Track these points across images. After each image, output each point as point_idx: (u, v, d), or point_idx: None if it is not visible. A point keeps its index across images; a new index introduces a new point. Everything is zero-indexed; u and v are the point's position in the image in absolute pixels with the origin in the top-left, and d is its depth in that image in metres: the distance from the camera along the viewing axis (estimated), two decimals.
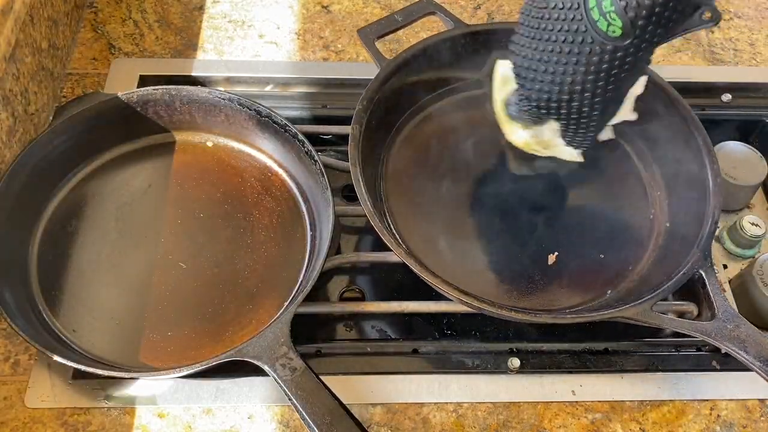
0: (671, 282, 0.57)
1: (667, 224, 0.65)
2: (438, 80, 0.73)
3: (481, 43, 0.70)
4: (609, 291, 0.63)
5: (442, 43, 0.70)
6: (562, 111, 0.57)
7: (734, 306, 0.64)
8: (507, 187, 0.68)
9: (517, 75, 0.58)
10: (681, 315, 0.62)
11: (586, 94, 0.54)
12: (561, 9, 0.52)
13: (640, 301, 0.56)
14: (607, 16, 0.50)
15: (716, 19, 0.53)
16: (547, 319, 0.57)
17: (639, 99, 0.61)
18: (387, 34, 0.70)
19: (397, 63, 0.67)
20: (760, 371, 0.53)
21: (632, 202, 0.68)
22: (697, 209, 0.61)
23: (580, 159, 0.63)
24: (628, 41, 0.51)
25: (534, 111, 0.59)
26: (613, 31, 0.50)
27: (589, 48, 0.52)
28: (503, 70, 0.62)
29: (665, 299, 0.60)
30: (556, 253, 0.64)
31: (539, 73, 0.55)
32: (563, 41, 0.53)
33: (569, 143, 0.61)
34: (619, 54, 0.52)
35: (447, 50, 0.70)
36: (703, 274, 0.57)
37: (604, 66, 0.52)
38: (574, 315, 0.58)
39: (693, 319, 0.58)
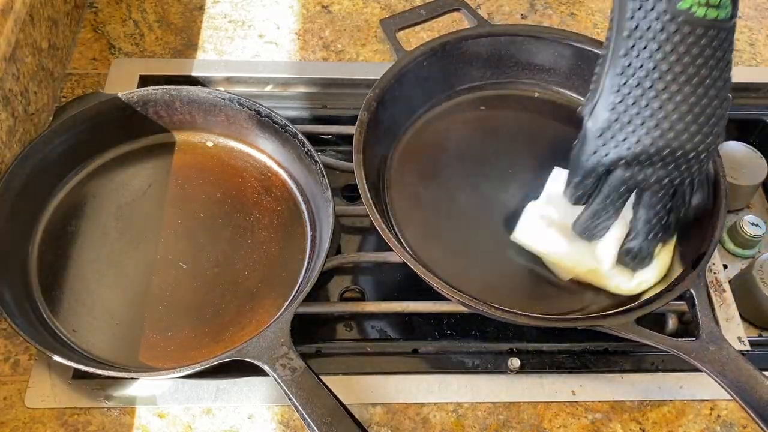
0: (659, 299, 0.56)
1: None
2: (453, 78, 0.72)
3: (502, 43, 0.70)
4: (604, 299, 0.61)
5: (462, 41, 0.69)
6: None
7: (724, 323, 0.63)
8: (513, 191, 0.67)
9: (627, 120, 0.52)
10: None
11: (707, 84, 0.51)
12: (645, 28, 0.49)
13: (623, 313, 0.55)
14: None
15: None
16: (525, 321, 0.55)
17: None
18: (409, 26, 0.70)
19: (416, 56, 0.67)
20: (736, 397, 0.50)
21: None
22: (700, 232, 0.60)
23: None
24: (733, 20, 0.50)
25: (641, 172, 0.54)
26: (723, 14, 0.48)
27: (696, 36, 0.49)
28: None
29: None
30: None
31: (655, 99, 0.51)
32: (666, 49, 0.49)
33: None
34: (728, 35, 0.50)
35: (466, 48, 0.70)
36: (694, 294, 0.56)
37: (723, 45, 0.50)
38: (552, 320, 0.57)
39: (677, 336, 0.56)
